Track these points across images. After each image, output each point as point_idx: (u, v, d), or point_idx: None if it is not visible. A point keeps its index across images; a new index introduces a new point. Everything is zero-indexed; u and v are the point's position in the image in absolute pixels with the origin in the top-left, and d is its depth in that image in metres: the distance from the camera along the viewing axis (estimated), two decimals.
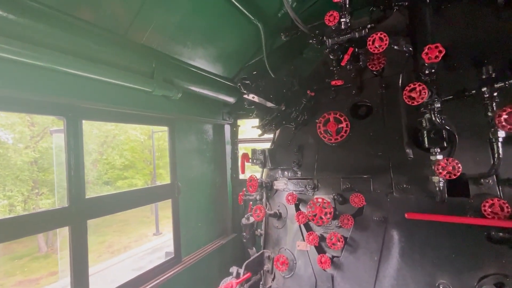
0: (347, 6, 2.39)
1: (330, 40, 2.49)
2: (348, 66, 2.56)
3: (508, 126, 1.69)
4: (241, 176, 4.41)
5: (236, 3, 2.62)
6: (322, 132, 2.66)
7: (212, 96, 3.58)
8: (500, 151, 1.86)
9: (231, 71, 3.77)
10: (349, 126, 2.57)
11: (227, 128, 4.34)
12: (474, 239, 2.05)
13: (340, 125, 2.58)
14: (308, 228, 2.81)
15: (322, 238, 2.67)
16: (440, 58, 1.83)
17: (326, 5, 2.48)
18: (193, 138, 3.85)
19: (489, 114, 1.85)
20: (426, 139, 2.16)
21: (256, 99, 2.83)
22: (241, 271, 2.97)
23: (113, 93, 2.49)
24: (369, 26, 2.37)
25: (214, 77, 3.54)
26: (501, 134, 1.80)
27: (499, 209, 1.92)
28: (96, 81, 2.27)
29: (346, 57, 2.35)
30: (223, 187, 4.27)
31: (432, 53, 1.83)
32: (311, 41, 2.65)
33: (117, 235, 16.03)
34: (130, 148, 18.57)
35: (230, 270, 3.07)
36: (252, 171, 3.81)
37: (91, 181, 16.80)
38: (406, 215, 2.15)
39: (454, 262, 2.11)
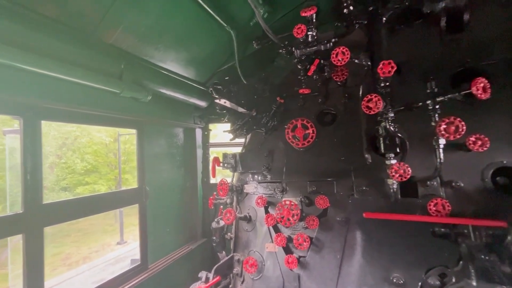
0: (314, 20, 2.58)
1: (298, 51, 2.65)
2: (314, 76, 2.74)
3: (447, 135, 1.95)
4: (212, 180, 4.40)
5: (210, 10, 2.67)
6: (290, 137, 2.80)
7: (184, 99, 3.56)
8: (441, 156, 2.12)
9: (204, 75, 3.78)
10: (315, 132, 2.74)
11: (199, 132, 4.32)
12: (422, 235, 2.29)
13: (307, 131, 2.73)
14: (277, 230, 2.91)
15: (289, 239, 2.78)
16: (392, 73, 2.05)
17: (296, 17, 2.64)
18: (163, 142, 3.78)
19: (433, 124, 2.11)
20: (382, 145, 2.38)
21: (227, 104, 2.89)
22: (210, 275, 2.96)
23: (77, 93, 2.38)
24: (333, 40, 2.58)
25: (186, 81, 3.53)
26: (442, 141, 2.06)
27: (441, 208, 2.18)
28: (59, 80, 2.15)
29: (313, 67, 2.52)
30: (194, 191, 4.23)
31: (386, 68, 2.04)
32: (280, 50, 2.79)
33: (75, 245, 14.78)
34: (93, 151, 17.41)
35: (199, 275, 3.05)
36: (224, 175, 3.84)
37: (47, 187, 15.37)
38: (364, 215, 2.33)
39: (405, 257, 2.33)
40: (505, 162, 2.19)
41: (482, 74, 2.39)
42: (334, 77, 2.85)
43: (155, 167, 3.55)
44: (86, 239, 15.47)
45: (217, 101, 2.79)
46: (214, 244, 3.27)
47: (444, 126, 1.96)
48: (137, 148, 3.29)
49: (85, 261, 12.68)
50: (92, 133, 17.03)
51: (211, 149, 4.63)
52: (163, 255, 3.60)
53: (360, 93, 2.71)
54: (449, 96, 2.00)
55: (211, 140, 4.66)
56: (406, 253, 2.33)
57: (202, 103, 3.97)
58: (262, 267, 2.93)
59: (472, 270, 1.98)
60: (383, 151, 2.37)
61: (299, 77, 2.84)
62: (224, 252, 3.34)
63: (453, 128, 1.94)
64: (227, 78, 3.42)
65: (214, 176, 3.49)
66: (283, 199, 2.85)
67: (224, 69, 3.80)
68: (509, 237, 1.82)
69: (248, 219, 3.16)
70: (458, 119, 1.96)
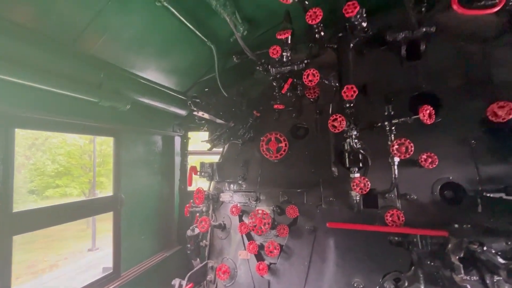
0: (289, 42, 2.77)
1: (273, 69, 2.84)
2: (288, 93, 2.93)
3: (399, 154, 2.20)
4: (189, 188, 4.45)
5: (191, 26, 2.79)
6: (265, 149, 2.96)
7: (163, 108, 3.62)
8: (396, 172, 2.37)
9: (184, 85, 3.87)
10: (287, 146, 2.92)
11: (177, 139, 4.38)
12: (380, 243, 2.51)
13: (280, 145, 2.91)
14: (250, 238, 3.03)
15: (261, 247, 2.91)
16: (354, 97, 2.28)
17: (274, 35, 2.81)
18: (141, 149, 3.80)
19: (389, 143, 2.35)
20: (347, 160, 2.59)
21: (206, 115, 3.00)
22: (184, 283, 3.01)
23: (53, 101, 2.39)
24: (305, 61, 2.79)
25: (166, 90, 3.60)
26: (396, 159, 2.30)
27: (396, 218, 2.41)
28: (34, 88, 2.17)
29: (286, 86, 2.71)
30: (170, 198, 4.26)
31: (349, 92, 2.27)
32: (257, 67, 2.96)
33: (42, 252, 13.95)
34: (66, 152, 16.63)
35: (172, 283, 3.09)
36: (203, 183, 3.90)
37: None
38: (327, 225, 2.52)
39: (365, 263, 2.54)
40: (451, 178, 2.48)
41: (434, 98, 2.71)
42: (307, 95, 3.05)
43: (132, 174, 3.56)
44: (55, 245, 14.66)
45: (195, 113, 2.90)
46: (188, 252, 3.32)
47: (396, 146, 2.21)
48: (114, 156, 3.30)
49: (52, 269, 12.02)
50: (65, 134, 16.31)
51: (190, 156, 4.69)
52: (136, 263, 3.59)
53: (330, 110, 2.93)
54: (402, 119, 2.26)
55: (191, 147, 4.72)
56: (366, 260, 2.54)
57: (182, 112, 4.04)
58: (235, 274, 3.03)
59: (421, 275, 2.22)
60: (347, 165, 2.59)
61: (274, 93, 3.01)
62: (198, 260, 3.40)
63: (403, 148, 2.19)
64: (206, 89, 3.54)
65: (190, 184, 3.56)
66: (257, 208, 2.99)
67: (204, 79, 3.91)
68: (449, 245, 2.07)
69: (222, 227, 3.26)
70: (408, 140, 2.22)
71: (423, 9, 2.99)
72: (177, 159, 4.36)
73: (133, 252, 3.55)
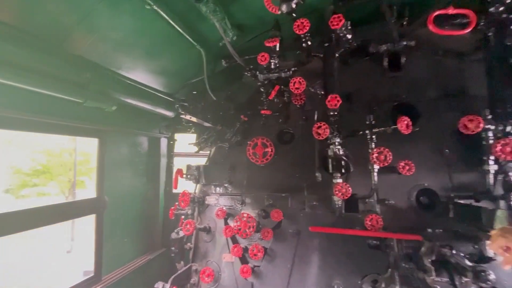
0: (277, 50, 2.84)
1: (261, 76, 2.89)
2: (275, 99, 3.00)
3: (378, 162, 2.31)
4: (175, 190, 4.42)
5: (180, 30, 2.79)
6: (251, 154, 3.01)
7: (150, 109, 3.59)
8: (376, 179, 2.48)
9: (173, 87, 3.85)
10: (273, 151, 2.98)
11: (164, 141, 4.35)
12: (359, 246, 2.62)
13: (266, 149, 2.97)
14: (235, 241, 3.07)
15: (246, 250, 2.95)
16: (338, 106, 2.37)
17: (264, 41, 2.86)
18: (126, 150, 3.74)
19: (369, 151, 2.46)
20: (330, 166, 2.68)
21: (193, 119, 3.02)
22: (167, 286, 3.00)
23: (35, 101, 2.33)
24: (293, 69, 2.87)
25: (154, 92, 3.57)
26: (376, 166, 2.42)
27: (375, 223, 2.52)
28: (15, 87, 2.11)
29: (273, 93, 2.77)
30: (155, 201, 4.22)
31: (333, 102, 2.36)
32: (246, 73, 3.01)
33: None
34: (45, 150, 15.99)
35: (155, 286, 3.08)
36: (188, 185, 3.88)
37: None
38: (310, 229, 2.60)
39: (345, 266, 2.64)
40: (426, 184, 2.62)
41: (413, 109, 2.86)
42: (294, 101, 3.13)
43: (116, 176, 3.51)
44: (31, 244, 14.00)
45: (182, 116, 2.91)
46: (172, 255, 3.31)
47: (376, 155, 2.32)
48: (98, 157, 3.24)
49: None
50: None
51: (177, 158, 4.67)
52: (119, 266, 3.54)
53: (315, 117, 3.01)
54: (382, 129, 2.38)
55: (178, 148, 4.70)
56: (346, 262, 2.64)
57: (169, 113, 4.01)
58: (219, 276, 3.05)
59: (397, 277, 2.34)
60: (330, 171, 2.68)
61: (262, 98, 3.07)
62: (182, 262, 3.39)
63: (382, 157, 2.30)
64: (195, 92, 3.55)
65: (176, 187, 3.55)
66: (242, 211, 3.03)
67: (193, 82, 3.91)
68: (423, 249, 2.20)
69: (207, 230, 3.28)
70: (387, 149, 2.34)
71: (404, 23, 3.16)
72: (163, 161, 4.33)
73: (116, 255, 3.49)
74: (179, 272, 3.19)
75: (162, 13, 2.49)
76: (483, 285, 1.92)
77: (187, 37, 2.94)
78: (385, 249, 2.46)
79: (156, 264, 4.02)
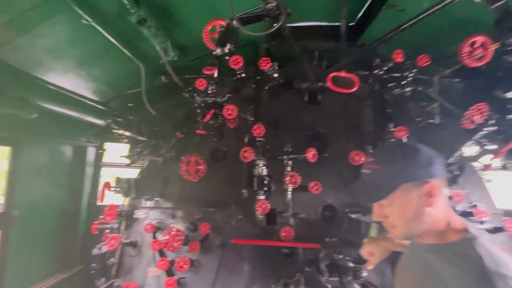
0: (215, 76, 3.12)
1: (198, 98, 3.12)
2: (210, 121, 3.25)
3: (290, 184, 2.79)
4: (100, 203, 4.18)
5: (118, 45, 2.82)
6: (184, 170, 3.17)
7: (78, 117, 3.39)
8: (289, 196, 2.96)
9: (106, 95, 3.72)
10: (205, 168, 3.20)
11: (91, 150, 4.10)
12: (276, 255, 3.03)
13: (199, 167, 3.17)
14: (162, 254, 3.13)
15: (172, 263, 3.06)
16: (262, 134, 2.78)
17: (205, 63, 3.07)
18: (45, 160, 3.41)
19: (285, 173, 2.93)
20: (255, 184, 3.05)
21: (127, 133, 3.03)
22: None
23: None
24: (228, 95, 3.18)
25: (84, 100, 3.40)
26: (290, 186, 2.89)
27: (288, 234, 2.98)
28: None
29: (208, 116, 3.02)
30: (76, 214, 3.91)
31: (257, 131, 2.76)
32: (184, 94, 3.19)
33: None
34: None
35: None
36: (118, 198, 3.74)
37: None
38: (231, 241, 2.91)
39: (263, 272, 3.01)
40: (329, 201, 3.23)
41: (325, 138, 3.49)
42: (228, 124, 3.44)
43: (30, 188, 3.17)
44: None
45: (115, 131, 2.90)
46: (93, 272, 3.17)
47: (289, 178, 2.80)
48: (9, 168, 2.90)
49: None
50: None
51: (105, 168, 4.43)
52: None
53: (246, 140, 3.38)
54: (296, 156, 2.88)
55: (107, 159, 4.46)
56: (263, 269, 3.02)
57: (100, 121, 3.83)
58: None
59: (302, 279, 2.81)
60: (255, 189, 3.04)
61: (198, 118, 3.29)
62: (103, 279, 3.26)
63: (293, 180, 2.80)
64: (130, 104, 3.53)
65: (102, 201, 3.42)
66: (172, 225, 3.14)
67: (130, 93, 3.86)
68: (321, 255, 2.72)
69: (134, 245, 3.25)
70: (297, 174, 2.84)
71: (323, 65, 3.85)
72: (89, 171, 4.07)
73: (22, 275, 3.12)
74: None
75: (100, 28, 2.52)
76: (359, 281, 2.52)
77: (126, 52, 2.98)
78: (294, 256, 2.93)
79: (72, 282, 3.71)
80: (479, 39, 2.48)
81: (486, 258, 1.03)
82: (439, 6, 2.23)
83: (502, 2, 2.02)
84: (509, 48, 2.26)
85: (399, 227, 1.26)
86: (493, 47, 2.41)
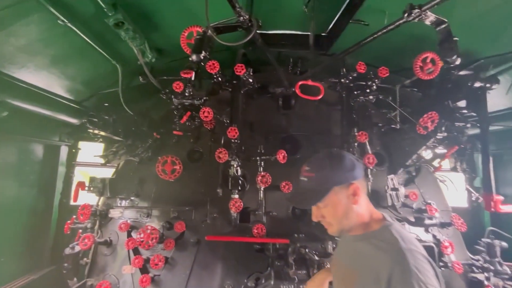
0: (192, 79, 3.22)
1: (175, 100, 3.21)
2: (187, 123, 3.35)
3: (261, 184, 2.97)
4: (74, 202, 4.11)
5: (94, 45, 2.84)
6: (160, 170, 3.24)
7: (50, 116, 3.35)
8: (262, 195, 3.13)
9: (81, 94, 3.67)
10: (181, 168, 3.29)
11: (64, 149, 4.01)
12: (247, 250, 3.18)
13: (175, 167, 3.26)
14: (137, 253, 3.18)
15: (147, 260, 3.12)
16: (236, 136, 2.92)
17: (184, 64, 3.14)
18: (13, 159, 3.30)
19: (258, 173, 3.11)
20: (230, 183, 3.19)
21: (102, 133, 3.05)
22: None
23: None
24: (204, 98, 3.29)
25: (58, 98, 3.36)
26: (261, 186, 3.07)
27: (260, 231, 3.14)
28: None
29: (185, 117, 3.12)
30: (47, 214, 3.81)
31: (232, 133, 2.90)
32: (161, 95, 3.26)
33: None
34: None
35: None
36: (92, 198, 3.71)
37: None
38: (206, 238, 3.03)
39: (236, 268, 3.14)
40: None
41: (297, 140, 3.71)
42: (204, 125, 3.55)
43: None
44: None
45: (90, 130, 2.91)
46: (65, 272, 3.15)
47: (260, 178, 2.98)
48: None
49: None
50: None
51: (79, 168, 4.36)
52: None
53: (222, 141, 3.51)
54: (268, 157, 3.06)
55: (81, 158, 4.38)
56: (236, 265, 3.15)
57: (74, 120, 3.78)
58: None
59: (273, 273, 2.98)
60: (230, 188, 3.18)
61: (175, 119, 3.37)
62: (75, 279, 3.25)
63: (265, 180, 2.98)
64: (106, 104, 3.53)
65: (75, 200, 3.40)
66: (147, 224, 3.20)
67: (106, 92, 3.84)
68: (289, 249, 2.92)
69: (108, 244, 3.27)
70: (268, 174, 3.03)
71: (297, 71, 4.07)
72: (61, 171, 3.99)
73: None
74: None
75: (76, 29, 2.54)
76: None
77: (103, 52, 3.00)
78: (265, 251, 3.11)
79: (42, 283, 3.62)
80: (430, 55, 2.81)
81: (399, 239, 1.33)
82: (395, 24, 2.49)
83: (445, 25, 2.32)
84: (451, 66, 2.58)
85: (334, 224, 1.52)
86: (440, 63, 2.74)
